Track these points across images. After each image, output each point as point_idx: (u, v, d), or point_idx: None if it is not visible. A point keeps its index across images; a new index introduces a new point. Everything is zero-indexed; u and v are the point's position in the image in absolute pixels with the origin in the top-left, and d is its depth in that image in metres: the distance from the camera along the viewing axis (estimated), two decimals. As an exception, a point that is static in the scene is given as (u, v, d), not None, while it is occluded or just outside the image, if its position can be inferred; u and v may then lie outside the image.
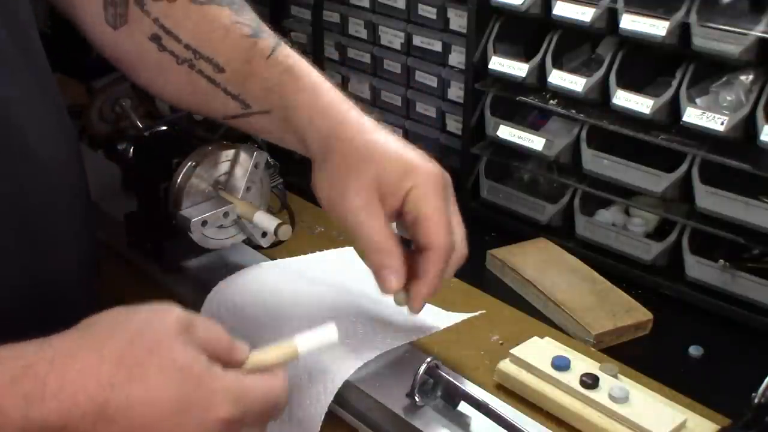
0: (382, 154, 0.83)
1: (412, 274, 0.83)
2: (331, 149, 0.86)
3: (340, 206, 0.84)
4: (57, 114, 0.87)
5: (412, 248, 0.84)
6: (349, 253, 1.08)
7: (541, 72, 1.25)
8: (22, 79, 0.81)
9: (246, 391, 0.68)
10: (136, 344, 0.65)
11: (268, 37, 0.94)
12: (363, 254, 0.84)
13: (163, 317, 0.67)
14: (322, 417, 0.84)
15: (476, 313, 0.95)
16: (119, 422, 0.63)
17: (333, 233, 1.20)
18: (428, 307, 0.99)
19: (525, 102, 1.28)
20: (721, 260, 1.11)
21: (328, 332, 0.75)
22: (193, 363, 0.66)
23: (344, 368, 0.86)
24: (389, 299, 1.01)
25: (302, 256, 1.06)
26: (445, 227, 0.82)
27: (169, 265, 1.10)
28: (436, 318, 0.96)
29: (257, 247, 1.06)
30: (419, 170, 0.83)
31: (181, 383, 0.65)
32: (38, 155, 0.81)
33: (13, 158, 0.78)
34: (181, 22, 0.94)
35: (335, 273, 1.04)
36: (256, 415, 0.69)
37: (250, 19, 0.95)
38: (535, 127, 1.33)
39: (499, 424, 0.79)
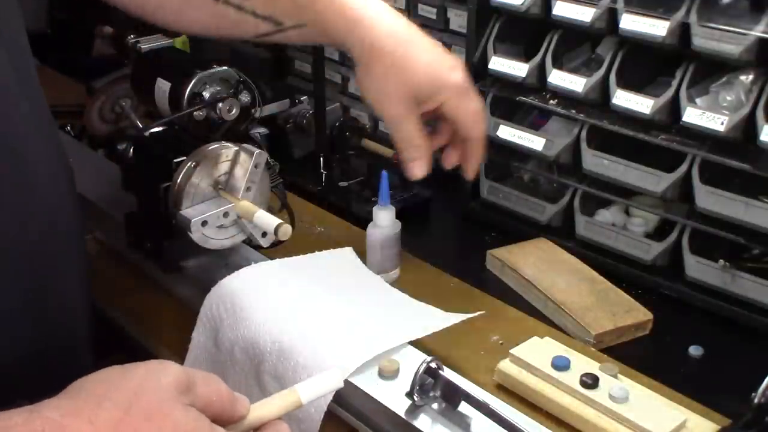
0: (417, 69, 0.96)
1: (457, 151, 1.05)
2: (372, 58, 0.97)
3: (382, 109, 0.99)
4: (54, 143, 0.87)
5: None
6: (348, 253, 1.09)
7: (541, 72, 1.25)
8: (22, 109, 0.79)
9: None
10: (133, 411, 0.61)
11: None
12: (398, 147, 1.02)
13: (160, 378, 0.64)
14: (322, 416, 0.85)
15: (476, 314, 0.95)
16: None
17: (333, 233, 1.20)
18: (428, 307, 0.99)
19: (525, 102, 1.28)
20: (721, 260, 1.11)
21: (332, 378, 0.74)
22: (196, 427, 0.63)
23: (343, 368, 0.86)
24: (389, 299, 1.01)
25: (302, 256, 1.06)
26: (479, 124, 1.01)
27: (169, 265, 1.10)
28: (436, 318, 0.96)
29: (257, 247, 1.06)
30: (449, 85, 0.98)
31: None
32: (38, 186, 0.80)
33: (16, 189, 0.77)
34: None
35: (335, 273, 1.04)
36: None
37: None
38: (535, 127, 1.33)
39: (499, 425, 0.79)
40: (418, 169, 1.01)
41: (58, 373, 0.66)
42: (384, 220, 1.08)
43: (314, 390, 0.73)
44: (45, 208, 0.81)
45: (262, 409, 0.71)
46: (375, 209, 1.08)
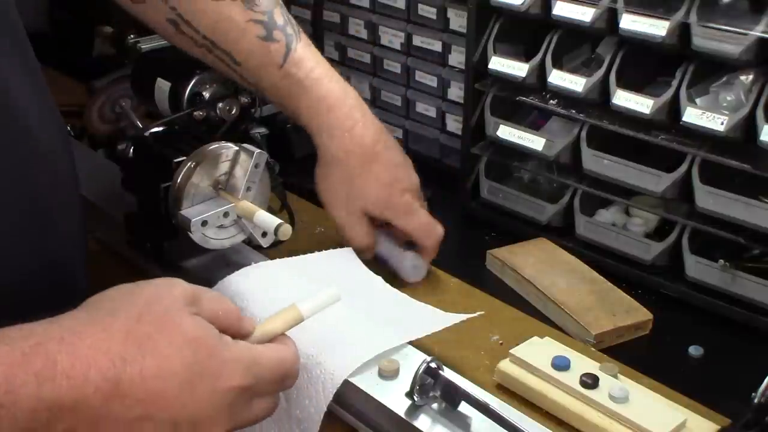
0: (370, 190, 1.06)
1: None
2: (333, 165, 1.07)
3: (332, 212, 1.09)
4: (49, 103, 0.89)
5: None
6: (348, 252, 1.08)
7: (541, 72, 1.25)
8: (16, 69, 0.82)
9: (257, 359, 0.70)
10: (144, 319, 0.65)
11: (281, 38, 1.04)
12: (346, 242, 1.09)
13: (169, 291, 0.68)
14: (321, 417, 0.84)
15: (476, 314, 0.95)
16: (132, 396, 0.63)
17: (333, 233, 1.20)
18: (428, 307, 0.99)
19: (525, 102, 1.28)
20: (721, 260, 1.11)
21: (330, 293, 0.80)
22: (204, 334, 0.67)
23: (343, 368, 0.86)
24: (389, 300, 1.01)
25: (302, 256, 1.06)
26: (430, 234, 1.09)
27: (169, 265, 1.10)
28: (436, 318, 0.96)
29: (257, 247, 1.06)
30: (396, 207, 1.07)
31: (193, 354, 0.66)
32: (40, 140, 0.83)
33: (19, 144, 0.79)
34: (198, 15, 1.01)
35: (335, 273, 1.04)
36: (267, 383, 0.71)
37: (261, 14, 1.02)
38: (535, 127, 1.33)
39: (499, 424, 0.79)
40: (364, 257, 1.08)
41: (54, 302, 0.68)
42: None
43: (313, 305, 0.78)
44: (45, 156, 0.84)
45: (265, 326, 0.75)
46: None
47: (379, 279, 1.05)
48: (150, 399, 0.64)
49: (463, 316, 0.95)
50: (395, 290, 1.04)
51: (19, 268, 0.79)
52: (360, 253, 1.07)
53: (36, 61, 0.87)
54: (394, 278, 1.08)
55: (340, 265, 1.07)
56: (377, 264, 1.10)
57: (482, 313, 0.96)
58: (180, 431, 0.66)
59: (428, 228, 1.09)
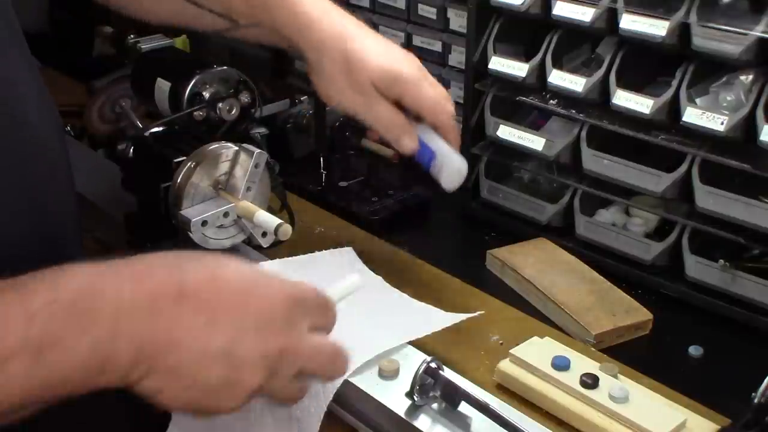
0: (369, 62, 0.97)
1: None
2: (322, 55, 0.99)
3: (344, 104, 1.00)
4: (44, 94, 0.90)
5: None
6: (348, 253, 1.09)
7: (541, 72, 1.25)
8: (16, 61, 0.84)
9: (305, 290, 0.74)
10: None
11: None
12: (381, 133, 1.01)
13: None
14: (322, 417, 0.85)
15: (476, 314, 0.95)
16: (196, 296, 0.67)
17: (333, 233, 1.20)
18: (428, 307, 0.99)
19: (525, 102, 1.28)
20: (721, 260, 1.11)
21: (354, 280, 0.83)
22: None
23: (361, 271, 0.86)
24: (389, 300, 1.01)
25: (302, 256, 1.06)
26: (444, 109, 1.00)
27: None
28: (436, 318, 0.96)
29: (257, 247, 1.06)
30: (404, 74, 0.98)
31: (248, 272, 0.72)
32: (38, 129, 0.84)
33: (19, 131, 0.81)
34: None
35: (335, 273, 1.04)
36: (313, 310, 0.74)
37: None
38: (535, 127, 1.33)
39: (500, 424, 0.80)
40: (405, 144, 1.00)
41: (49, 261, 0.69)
42: None
43: (339, 292, 0.82)
44: (43, 143, 0.86)
45: None
46: None
47: (379, 279, 1.05)
48: (214, 300, 0.67)
49: (463, 316, 0.95)
50: (395, 290, 1.04)
51: (16, 249, 0.80)
52: (399, 139, 0.99)
53: (31, 54, 0.88)
54: (394, 279, 1.08)
55: (340, 265, 1.07)
56: (376, 266, 1.09)
57: (482, 312, 0.96)
58: (245, 339, 0.68)
59: (442, 102, 1.00)
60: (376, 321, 0.95)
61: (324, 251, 1.08)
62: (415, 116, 1.00)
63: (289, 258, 1.05)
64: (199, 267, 0.69)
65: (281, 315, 0.71)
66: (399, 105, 0.99)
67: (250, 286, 0.70)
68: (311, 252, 1.08)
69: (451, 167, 0.99)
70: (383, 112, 0.98)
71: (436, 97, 0.99)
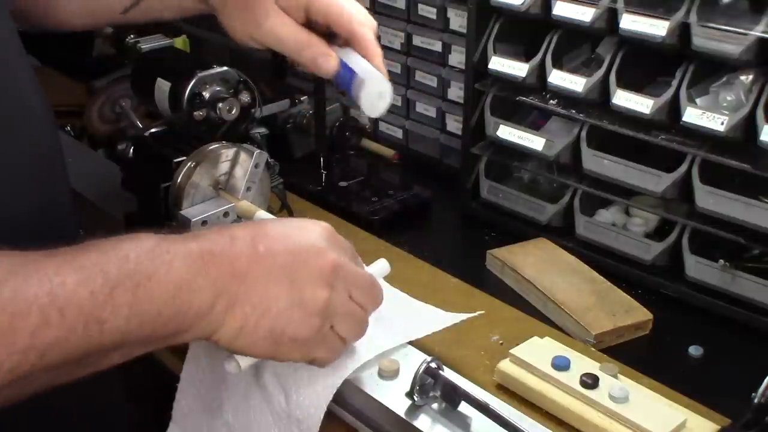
0: None
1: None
2: None
3: (257, 34, 0.93)
4: (33, 78, 0.91)
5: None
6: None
7: (541, 72, 1.25)
8: (15, 48, 0.86)
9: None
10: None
11: None
12: (296, 58, 0.94)
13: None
14: (321, 417, 0.84)
15: (476, 314, 0.95)
16: (272, 234, 0.77)
17: (333, 233, 1.20)
18: (428, 306, 0.99)
19: (525, 102, 1.28)
20: (721, 260, 1.11)
21: (381, 265, 0.91)
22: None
23: (343, 368, 0.86)
24: (389, 298, 1.00)
25: None
26: (358, 18, 0.92)
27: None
28: (436, 318, 0.96)
29: (257, 247, 1.06)
30: None
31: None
32: (35, 109, 0.87)
33: (18, 111, 0.83)
34: None
35: None
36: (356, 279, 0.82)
37: None
38: (535, 127, 1.33)
39: (500, 424, 0.79)
40: (322, 65, 0.91)
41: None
42: None
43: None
44: (39, 121, 0.88)
45: None
46: None
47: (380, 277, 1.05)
48: (287, 237, 0.77)
49: (464, 316, 0.95)
50: (396, 289, 1.03)
51: (17, 224, 0.82)
52: (315, 60, 0.91)
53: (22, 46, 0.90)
54: (394, 279, 1.08)
55: None
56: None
57: (482, 312, 0.96)
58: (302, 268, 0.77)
59: (357, 10, 0.91)
60: (376, 321, 0.95)
61: None
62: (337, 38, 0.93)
63: None
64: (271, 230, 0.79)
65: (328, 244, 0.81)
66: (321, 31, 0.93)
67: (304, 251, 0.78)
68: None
69: (370, 87, 0.90)
70: (293, 33, 0.91)
71: (349, 6, 0.91)
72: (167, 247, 0.71)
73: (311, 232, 0.80)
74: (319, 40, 0.91)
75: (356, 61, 0.91)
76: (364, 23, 0.91)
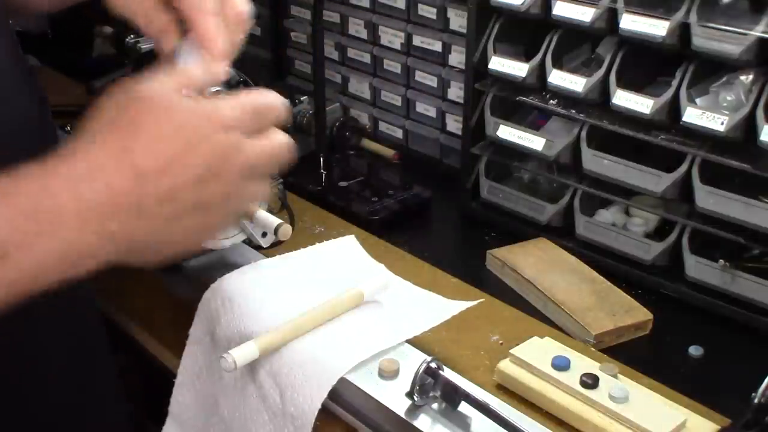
0: None
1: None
2: None
3: (116, 4, 0.86)
4: (27, 74, 0.90)
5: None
6: (351, 241, 1.08)
7: (541, 72, 1.25)
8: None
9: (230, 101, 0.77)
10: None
11: None
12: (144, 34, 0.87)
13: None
14: (315, 414, 0.84)
15: (475, 302, 0.95)
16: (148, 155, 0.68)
17: (333, 233, 1.20)
18: (432, 294, 0.99)
19: (525, 102, 1.28)
20: (721, 260, 1.11)
21: (383, 277, 0.95)
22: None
23: (339, 366, 0.86)
24: (391, 289, 1.00)
25: (303, 249, 1.06)
26: (201, 1, 0.82)
27: (169, 265, 1.10)
28: (438, 308, 0.96)
29: (257, 247, 1.06)
30: None
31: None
32: (27, 110, 0.86)
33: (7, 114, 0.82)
34: None
35: (336, 265, 1.04)
36: (251, 114, 0.78)
37: None
38: (535, 127, 1.33)
39: (500, 424, 0.79)
40: (159, 43, 0.86)
41: None
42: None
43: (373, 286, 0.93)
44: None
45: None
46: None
47: (382, 267, 1.05)
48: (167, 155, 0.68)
49: (464, 305, 0.95)
50: (398, 278, 1.03)
51: None
52: (157, 40, 0.86)
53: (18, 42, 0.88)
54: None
55: (343, 256, 1.06)
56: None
57: (482, 300, 0.97)
58: (207, 186, 0.70)
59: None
60: (377, 316, 0.95)
61: (325, 242, 1.08)
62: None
63: (292, 252, 1.05)
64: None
65: (226, 146, 0.73)
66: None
67: (190, 134, 0.71)
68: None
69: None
70: (144, 8, 0.85)
71: None
72: (52, 205, 0.66)
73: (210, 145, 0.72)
74: (164, 19, 0.84)
75: (187, 52, 0.82)
76: (201, 9, 0.81)
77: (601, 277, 1.15)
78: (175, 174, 0.69)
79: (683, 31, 1.10)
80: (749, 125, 1.06)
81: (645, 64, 1.20)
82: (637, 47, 1.17)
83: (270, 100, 0.81)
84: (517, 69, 1.26)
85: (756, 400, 0.78)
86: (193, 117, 0.72)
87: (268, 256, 1.07)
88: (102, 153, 0.68)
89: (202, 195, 0.70)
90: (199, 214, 0.71)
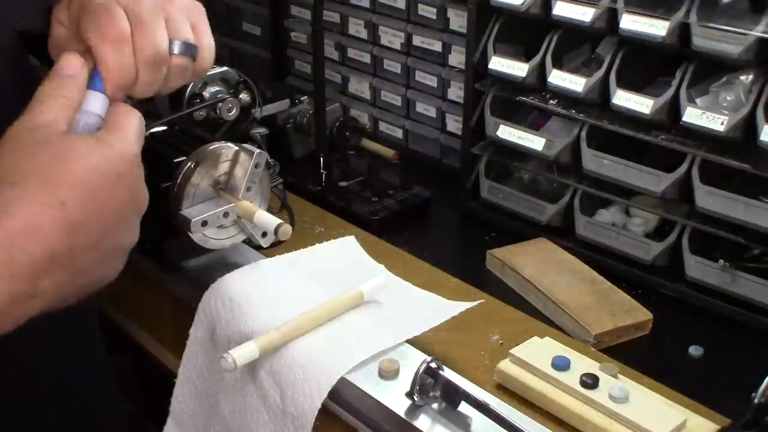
0: None
1: None
2: None
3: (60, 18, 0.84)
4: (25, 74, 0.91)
5: None
6: (350, 242, 1.08)
7: (541, 72, 1.25)
8: None
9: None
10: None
11: None
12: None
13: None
14: (315, 414, 0.85)
15: (475, 303, 0.95)
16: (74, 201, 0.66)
17: (333, 233, 1.20)
18: (431, 295, 0.99)
19: (525, 102, 1.28)
20: (721, 260, 1.11)
21: (380, 279, 0.96)
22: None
23: (339, 366, 0.86)
24: (391, 290, 1.00)
25: (303, 249, 1.06)
26: (93, 31, 0.77)
27: (169, 265, 1.10)
28: (438, 308, 0.96)
29: (257, 247, 1.06)
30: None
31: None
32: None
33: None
34: None
35: (336, 265, 1.04)
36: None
37: None
38: (535, 127, 1.33)
39: (500, 424, 0.79)
40: (73, 61, 0.77)
41: None
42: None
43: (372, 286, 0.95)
44: None
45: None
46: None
47: (382, 267, 1.05)
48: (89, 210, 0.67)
49: (464, 305, 0.95)
50: (397, 278, 1.03)
51: None
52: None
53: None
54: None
55: (342, 256, 1.06)
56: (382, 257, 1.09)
57: (482, 301, 0.97)
58: (127, 225, 0.72)
59: (96, 27, 0.76)
60: (377, 316, 0.95)
61: (325, 242, 1.08)
62: None
63: (292, 252, 1.05)
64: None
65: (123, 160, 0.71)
66: None
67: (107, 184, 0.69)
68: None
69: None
70: (58, 36, 0.82)
71: (91, 21, 0.76)
72: None
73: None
74: (71, 46, 0.79)
75: (94, 80, 0.77)
76: (101, 38, 0.76)
77: (601, 277, 1.15)
78: (103, 221, 0.69)
79: (683, 31, 1.10)
80: (749, 125, 1.06)
81: (645, 64, 1.20)
82: (637, 47, 1.17)
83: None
84: (517, 69, 1.26)
85: (756, 400, 0.79)
86: (109, 159, 0.70)
87: (268, 256, 1.07)
88: (35, 209, 0.65)
89: (121, 235, 0.72)
90: (119, 254, 0.73)
